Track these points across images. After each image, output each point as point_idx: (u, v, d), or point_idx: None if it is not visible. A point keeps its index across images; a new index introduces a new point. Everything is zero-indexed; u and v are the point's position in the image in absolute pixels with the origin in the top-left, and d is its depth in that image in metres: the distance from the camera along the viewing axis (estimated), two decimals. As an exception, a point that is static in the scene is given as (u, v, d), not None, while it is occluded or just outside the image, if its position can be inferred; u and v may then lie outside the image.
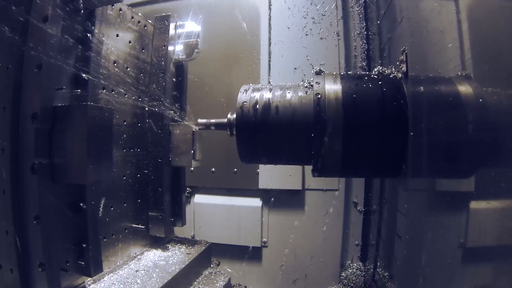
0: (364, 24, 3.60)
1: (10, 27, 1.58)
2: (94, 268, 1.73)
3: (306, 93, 1.94)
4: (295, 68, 3.57)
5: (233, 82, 3.65)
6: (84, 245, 1.72)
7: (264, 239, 3.64)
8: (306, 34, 3.57)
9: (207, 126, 2.30)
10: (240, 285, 3.73)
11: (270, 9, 3.65)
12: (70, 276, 1.70)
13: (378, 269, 3.18)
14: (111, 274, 1.97)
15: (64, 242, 1.67)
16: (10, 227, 1.52)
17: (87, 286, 1.82)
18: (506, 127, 1.37)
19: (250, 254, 3.68)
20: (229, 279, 2.36)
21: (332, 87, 1.85)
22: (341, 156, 1.79)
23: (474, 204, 1.69)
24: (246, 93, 2.05)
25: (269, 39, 3.63)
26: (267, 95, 1.98)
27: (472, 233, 1.63)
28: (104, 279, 1.91)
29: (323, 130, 1.77)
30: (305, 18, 3.57)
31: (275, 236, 3.65)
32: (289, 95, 1.95)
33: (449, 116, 1.66)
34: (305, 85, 2.01)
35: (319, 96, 1.83)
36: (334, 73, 1.99)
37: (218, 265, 2.49)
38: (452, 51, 1.66)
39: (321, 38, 3.55)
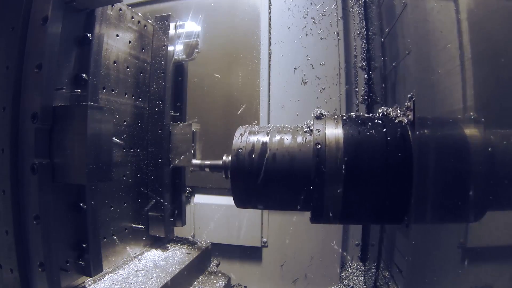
0: (364, 24, 3.60)
1: (10, 26, 1.58)
2: (94, 268, 1.73)
3: (305, 140, 1.86)
4: (295, 68, 3.57)
5: (233, 82, 3.65)
6: (84, 245, 1.72)
7: (264, 239, 3.64)
8: (306, 34, 3.57)
9: (201, 168, 2.28)
10: (240, 285, 3.73)
11: (270, 9, 3.65)
12: (70, 276, 1.70)
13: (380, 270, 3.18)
14: (111, 274, 1.97)
15: (64, 242, 1.67)
16: (10, 227, 1.52)
17: (87, 286, 1.82)
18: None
19: (250, 254, 3.68)
20: (229, 279, 2.36)
21: (333, 135, 1.78)
22: (341, 207, 1.75)
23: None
24: (241, 137, 1.97)
25: (269, 39, 3.63)
26: (264, 140, 1.92)
27: (472, 234, 1.63)
28: (104, 279, 1.91)
29: (322, 183, 1.72)
30: (305, 18, 3.57)
31: (275, 236, 3.65)
32: (287, 141, 1.88)
33: (456, 167, 1.60)
34: (304, 130, 1.93)
35: (319, 146, 1.75)
36: (336, 116, 1.91)
37: (218, 265, 2.48)
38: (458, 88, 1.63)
39: (321, 38, 3.55)
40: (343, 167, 1.69)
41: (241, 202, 2.02)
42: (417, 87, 1.93)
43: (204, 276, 2.34)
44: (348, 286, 3.48)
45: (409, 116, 1.77)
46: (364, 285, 3.43)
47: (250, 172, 1.88)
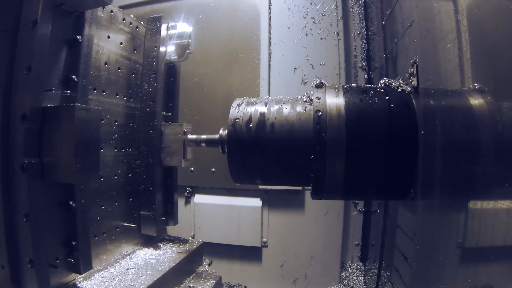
0: (364, 24, 3.59)
1: (2, 30, 1.62)
2: (83, 265, 1.75)
3: (305, 109, 1.78)
4: (295, 68, 3.57)
5: (233, 82, 3.67)
6: (73, 243, 1.75)
7: (264, 239, 3.66)
8: (306, 34, 3.57)
9: (197, 143, 2.23)
10: (240, 285, 3.75)
11: (270, 9, 3.66)
12: (59, 273, 1.74)
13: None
14: (102, 271, 2.00)
15: (54, 239, 1.70)
16: (1, 225, 1.56)
17: (77, 283, 1.85)
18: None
19: (250, 254, 3.70)
20: (220, 278, 2.37)
21: (334, 103, 1.68)
22: (343, 179, 1.64)
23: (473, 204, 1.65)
24: (238, 108, 1.88)
25: (269, 39, 3.64)
26: (262, 110, 1.83)
27: (471, 233, 1.60)
28: (95, 276, 1.94)
29: (323, 152, 1.62)
30: (305, 18, 3.57)
31: (275, 236, 3.66)
32: (286, 111, 1.79)
33: (463, 135, 1.48)
34: (304, 99, 1.86)
35: (320, 113, 1.66)
36: (336, 86, 1.83)
37: (210, 264, 2.50)
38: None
39: (321, 38, 3.55)
40: (345, 135, 1.61)
41: (238, 177, 1.93)
42: (420, 54, 1.78)
43: (195, 275, 2.35)
44: (348, 286, 3.46)
45: (413, 82, 1.69)
46: (364, 285, 3.41)
47: (247, 142, 1.79)
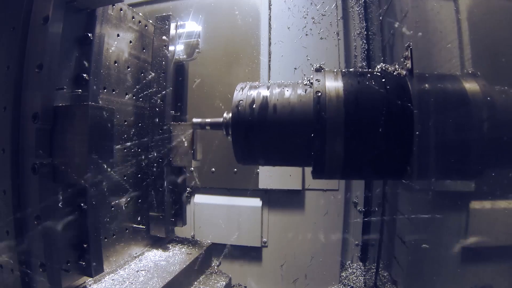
0: (364, 24, 3.61)
1: (11, 26, 1.58)
2: (95, 268, 1.72)
3: (305, 91, 1.86)
4: (295, 68, 3.57)
5: (233, 82, 3.64)
6: (85, 245, 1.71)
7: (264, 239, 3.64)
8: (306, 34, 3.57)
9: (201, 126, 2.24)
10: (240, 285, 3.73)
11: (270, 9, 3.65)
12: (71, 277, 1.70)
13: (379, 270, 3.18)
14: (112, 274, 1.97)
15: (65, 242, 1.66)
16: (11, 228, 1.52)
17: (88, 286, 1.82)
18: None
19: (250, 254, 3.68)
20: (230, 279, 2.36)
21: (333, 85, 1.76)
22: (342, 157, 1.71)
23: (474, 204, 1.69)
24: (242, 91, 1.96)
25: (269, 39, 3.63)
26: (265, 93, 1.90)
27: (472, 233, 1.63)
28: (105, 279, 1.91)
29: (323, 130, 1.69)
30: (305, 18, 3.57)
31: (275, 236, 3.65)
32: (287, 93, 1.88)
33: (457, 115, 1.61)
34: (304, 83, 1.94)
35: (319, 94, 1.73)
36: (335, 70, 1.91)
37: (219, 265, 2.48)
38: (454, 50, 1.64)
39: (321, 38, 3.55)
40: (344, 115, 1.68)
41: (242, 158, 1.99)
42: (414, 40, 1.93)
43: (204, 276, 2.33)
44: (348, 286, 3.48)
45: (407, 65, 1.77)
46: (364, 285, 3.43)
47: (251, 123, 1.86)
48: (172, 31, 2.29)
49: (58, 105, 1.57)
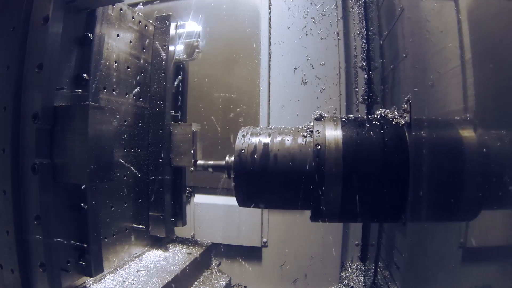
0: (364, 24, 3.60)
1: (11, 26, 1.57)
2: (95, 268, 1.72)
3: (305, 141, 1.92)
4: (295, 68, 3.56)
5: (233, 82, 3.65)
6: (85, 245, 1.71)
7: (264, 239, 3.64)
8: (306, 34, 3.57)
9: (204, 168, 2.33)
10: (240, 285, 3.73)
11: (270, 9, 3.64)
12: (71, 276, 1.70)
13: (379, 269, 3.18)
14: (112, 274, 1.96)
15: (65, 242, 1.66)
16: (11, 227, 1.52)
17: (88, 286, 1.81)
18: (508, 169, 1.38)
19: (250, 254, 3.68)
20: (230, 279, 2.35)
21: (333, 135, 1.83)
22: (339, 206, 1.79)
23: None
24: (244, 139, 2.02)
25: (269, 39, 3.62)
26: (266, 141, 1.97)
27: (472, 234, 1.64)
28: (105, 279, 1.91)
29: (322, 182, 1.77)
30: (305, 18, 3.57)
31: (275, 236, 3.64)
32: (288, 142, 1.94)
33: (451, 166, 1.67)
34: (304, 131, 1.99)
35: (319, 147, 1.81)
36: (335, 118, 1.97)
37: (219, 265, 2.48)
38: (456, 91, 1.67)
39: (321, 38, 3.55)
40: (342, 168, 1.75)
41: (243, 201, 2.06)
42: (414, 90, 1.99)
43: (204, 276, 2.33)
44: (348, 286, 3.47)
45: (406, 118, 1.82)
46: (364, 285, 3.43)
47: (252, 172, 1.92)
48: (172, 31, 2.28)
49: (58, 105, 1.57)
